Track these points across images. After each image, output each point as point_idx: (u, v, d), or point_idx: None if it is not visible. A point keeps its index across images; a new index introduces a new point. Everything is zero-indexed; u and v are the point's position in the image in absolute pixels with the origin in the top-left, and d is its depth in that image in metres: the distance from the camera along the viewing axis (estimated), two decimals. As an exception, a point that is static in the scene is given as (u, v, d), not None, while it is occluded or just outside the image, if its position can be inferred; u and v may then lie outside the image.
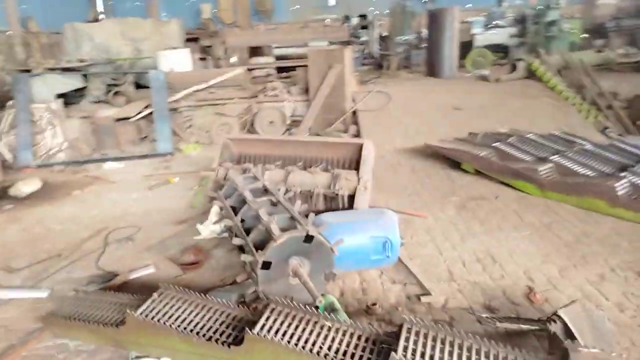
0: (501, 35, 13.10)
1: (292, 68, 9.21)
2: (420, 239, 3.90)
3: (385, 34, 15.00)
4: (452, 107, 8.42)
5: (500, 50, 12.87)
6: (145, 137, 7.25)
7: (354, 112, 7.89)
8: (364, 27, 14.89)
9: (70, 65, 7.98)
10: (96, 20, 13.76)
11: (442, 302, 3.02)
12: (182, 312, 2.61)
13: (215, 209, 4.18)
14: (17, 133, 6.23)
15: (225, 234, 3.94)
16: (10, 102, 6.76)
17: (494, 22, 13.52)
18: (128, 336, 2.60)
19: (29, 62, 8.51)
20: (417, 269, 3.39)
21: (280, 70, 9.82)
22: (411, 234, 3.95)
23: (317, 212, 3.47)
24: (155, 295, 2.71)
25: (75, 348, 2.73)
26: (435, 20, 12.40)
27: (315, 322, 2.45)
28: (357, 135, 7.25)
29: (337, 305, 2.87)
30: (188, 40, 11.76)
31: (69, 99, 7.64)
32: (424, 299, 3.05)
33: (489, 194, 4.80)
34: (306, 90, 7.93)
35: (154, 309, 2.61)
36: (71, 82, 7.78)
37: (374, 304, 2.97)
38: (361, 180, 4.08)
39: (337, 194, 4.12)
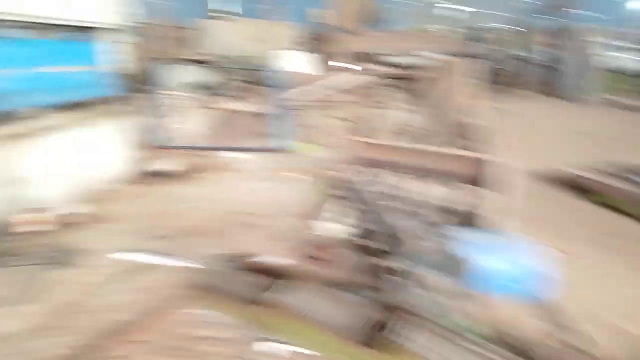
0: (637, 59, 11.89)
1: (404, 77, 9.16)
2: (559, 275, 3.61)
3: (501, 49, 14.35)
4: (577, 131, 7.82)
5: (635, 75, 11.67)
6: (265, 132, 7.65)
7: (469, 127, 7.64)
8: (479, 41, 14.38)
9: (203, 59, 8.71)
10: (220, 18, 14.75)
11: (595, 350, 2.77)
12: (318, 305, 2.71)
13: (335, 209, 4.27)
14: (155, 117, 6.91)
15: (345, 235, 4.00)
16: (149, 89, 7.51)
17: (626, 45, 12.32)
18: (263, 317, 2.75)
19: (166, 54, 9.39)
20: (561, 308, 3.13)
21: (391, 78, 9.84)
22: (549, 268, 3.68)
23: (448, 226, 3.41)
24: (295, 283, 2.84)
25: (214, 319, 2.92)
26: (561, 38, 11.66)
27: (455, 340, 2.41)
28: (471, 150, 7.00)
29: (472, 326, 2.78)
30: (304, 43, 12.23)
31: (201, 89, 8.34)
32: (577, 343, 2.81)
33: (627, 230, 4.37)
34: (418, 100, 7.85)
35: (294, 296, 2.75)
36: (204, 74, 8.48)
37: (512, 335, 2.82)
38: (502, 200, 3.89)
39: (457, 209, 4.00)
